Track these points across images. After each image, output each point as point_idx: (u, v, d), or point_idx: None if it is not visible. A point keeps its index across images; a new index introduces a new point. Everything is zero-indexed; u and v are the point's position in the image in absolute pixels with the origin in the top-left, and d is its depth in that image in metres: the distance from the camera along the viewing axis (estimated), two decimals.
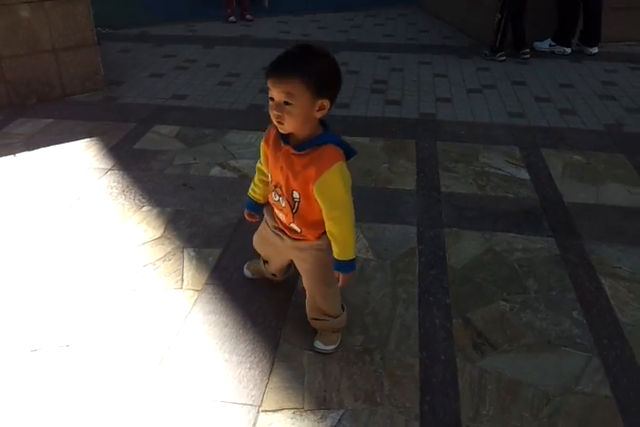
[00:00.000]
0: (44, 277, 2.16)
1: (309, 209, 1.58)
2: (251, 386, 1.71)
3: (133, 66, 4.64)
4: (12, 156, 3.11)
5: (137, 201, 2.67)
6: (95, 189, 2.78)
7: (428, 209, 2.66)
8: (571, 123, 3.68)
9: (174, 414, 1.62)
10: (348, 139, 3.33)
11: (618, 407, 1.67)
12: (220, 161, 3.06)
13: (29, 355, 1.80)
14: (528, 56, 4.91)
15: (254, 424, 1.59)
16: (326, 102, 1.44)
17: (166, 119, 3.61)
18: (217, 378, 1.74)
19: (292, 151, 1.51)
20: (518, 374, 1.77)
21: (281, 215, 1.69)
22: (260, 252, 2.00)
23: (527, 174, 3.00)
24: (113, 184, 2.82)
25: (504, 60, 4.88)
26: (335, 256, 1.61)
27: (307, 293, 1.83)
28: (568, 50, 5.06)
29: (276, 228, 1.74)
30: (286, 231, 1.70)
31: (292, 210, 1.61)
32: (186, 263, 2.24)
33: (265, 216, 1.82)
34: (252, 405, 1.65)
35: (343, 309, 1.87)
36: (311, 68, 1.39)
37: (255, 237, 1.96)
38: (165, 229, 2.46)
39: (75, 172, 2.94)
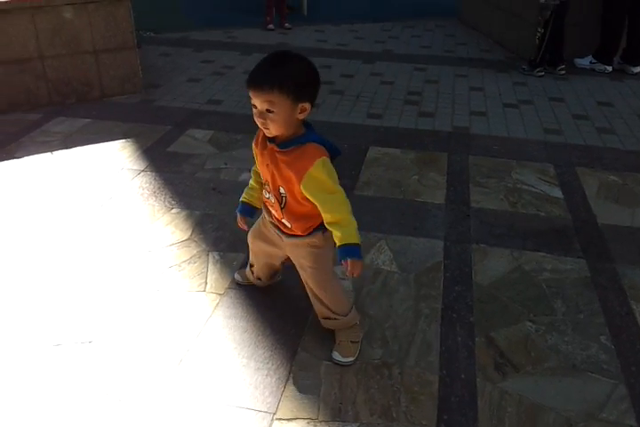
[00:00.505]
0: (72, 274, 2.20)
1: (296, 204, 1.66)
2: (267, 393, 1.71)
3: (172, 70, 4.73)
4: (49, 153, 3.20)
5: (167, 203, 2.71)
6: (127, 189, 2.83)
7: (456, 224, 2.62)
8: (608, 142, 3.59)
9: (189, 415, 1.62)
10: (378, 149, 3.37)
11: None
12: (251, 167, 3.08)
13: (52, 349, 1.84)
14: (564, 73, 4.84)
15: None
16: (307, 105, 1.52)
17: (201, 123, 3.66)
18: (234, 383, 1.74)
19: (277, 149, 1.60)
20: (540, 398, 1.72)
21: (273, 211, 1.76)
22: (250, 246, 2.01)
23: (560, 193, 2.93)
24: (145, 185, 2.87)
25: (542, 76, 4.80)
26: (339, 242, 1.63)
27: (308, 291, 1.85)
28: (609, 68, 4.94)
29: (272, 223, 1.81)
30: (280, 227, 1.77)
31: (280, 205, 1.69)
32: (210, 267, 2.26)
33: (263, 212, 1.87)
34: (266, 412, 1.64)
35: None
36: (289, 75, 1.47)
37: (251, 232, 1.98)
38: (193, 231, 2.49)
39: (109, 172, 3.01)
